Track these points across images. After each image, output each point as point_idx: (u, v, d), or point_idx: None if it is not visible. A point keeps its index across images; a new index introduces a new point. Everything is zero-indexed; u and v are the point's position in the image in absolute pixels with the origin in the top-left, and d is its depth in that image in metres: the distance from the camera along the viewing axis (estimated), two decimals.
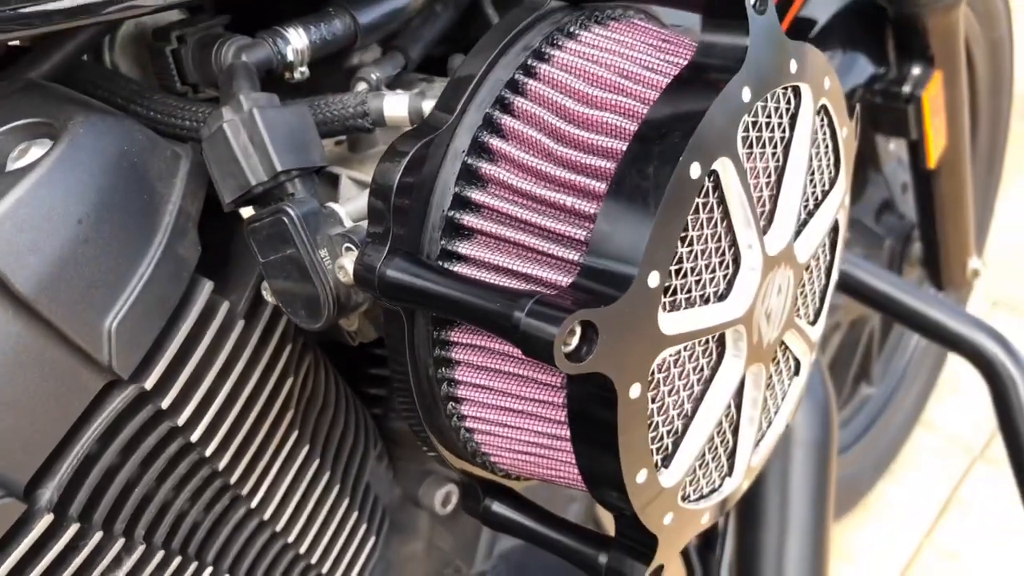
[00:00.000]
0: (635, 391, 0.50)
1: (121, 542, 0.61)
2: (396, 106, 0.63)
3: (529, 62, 0.56)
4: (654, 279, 0.49)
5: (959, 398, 2.20)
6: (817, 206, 0.65)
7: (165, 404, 0.60)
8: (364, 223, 0.60)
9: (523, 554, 1.00)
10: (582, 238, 0.51)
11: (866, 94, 1.57)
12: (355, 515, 0.85)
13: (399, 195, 0.53)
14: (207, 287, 0.60)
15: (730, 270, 0.56)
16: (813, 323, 0.69)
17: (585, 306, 0.46)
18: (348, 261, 0.58)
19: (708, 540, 1.21)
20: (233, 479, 0.69)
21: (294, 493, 0.77)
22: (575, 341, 0.46)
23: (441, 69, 0.78)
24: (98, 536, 0.59)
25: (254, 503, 0.73)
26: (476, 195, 0.54)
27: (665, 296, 0.51)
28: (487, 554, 0.98)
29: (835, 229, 0.68)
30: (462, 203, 0.54)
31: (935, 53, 1.51)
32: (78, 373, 0.55)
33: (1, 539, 0.53)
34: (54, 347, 0.54)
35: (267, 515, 0.75)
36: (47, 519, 0.55)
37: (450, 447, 0.62)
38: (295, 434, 0.75)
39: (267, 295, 0.63)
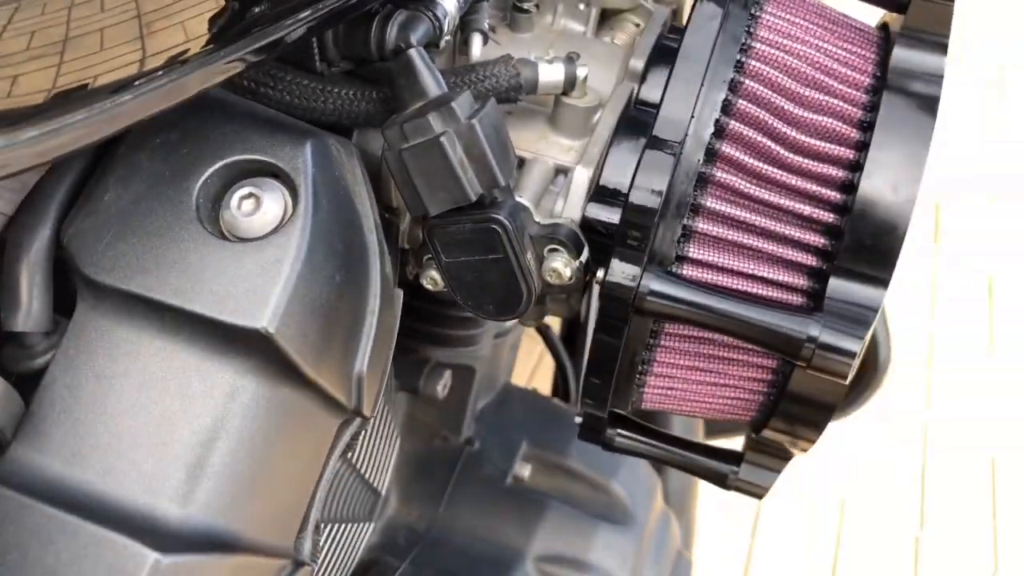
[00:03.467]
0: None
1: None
2: (551, 75, 0.60)
3: (739, 58, 0.56)
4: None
5: None
6: None
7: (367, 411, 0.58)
8: (559, 220, 0.59)
9: (494, 414, 1.08)
10: (818, 244, 0.56)
11: None
12: (392, 424, 0.87)
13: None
14: (400, 296, 0.57)
15: None
16: None
17: (868, 326, 0.52)
18: (559, 263, 0.58)
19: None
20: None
21: (371, 431, 0.78)
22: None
23: None
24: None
25: (351, 453, 0.73)
26: (707, 200, 0.56)
27: None
28: (471, 422, 1.04)
29: None
30: (696, 210, 0.56)
31: None
32: (327, 422, 0.52)
33: None
34: (315, 408, 0.50)
35: (356, 459, 0.75)
36: (309, 570, 0.54)
37: (615, 402, 0.66)
38: None
39: (430, 285, 0.61)
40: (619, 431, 0.72)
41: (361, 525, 0.85)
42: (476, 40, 0.63)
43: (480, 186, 0.53)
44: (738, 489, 0.71)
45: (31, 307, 0.46)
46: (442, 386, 0.96)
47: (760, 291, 0.57)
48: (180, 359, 0.45)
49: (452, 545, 0.96)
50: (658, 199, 0.53)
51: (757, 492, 0.70)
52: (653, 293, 0.54)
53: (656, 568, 1.03)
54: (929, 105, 0.55)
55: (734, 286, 0.57)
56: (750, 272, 0.56)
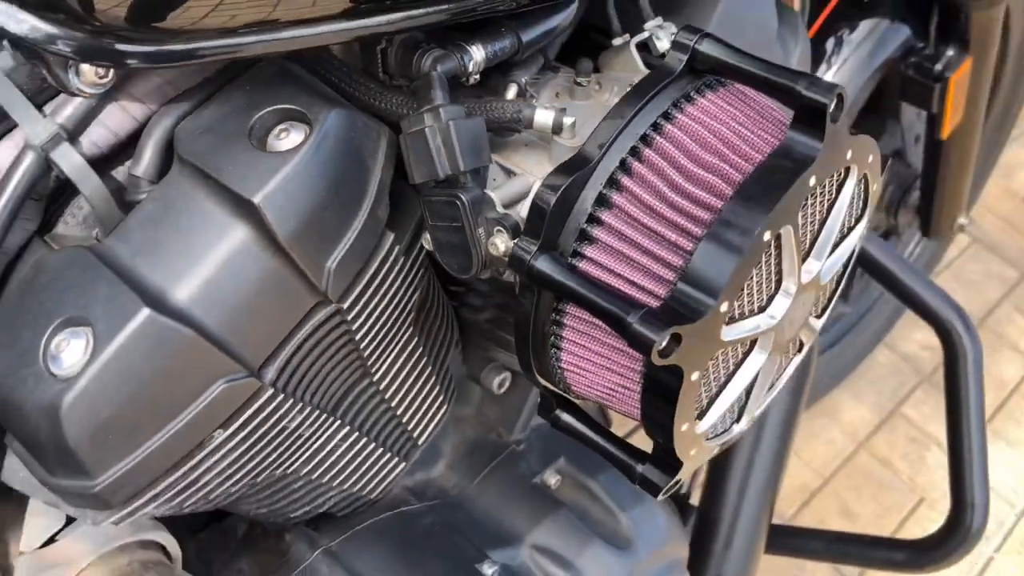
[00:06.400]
0: (695, 376, 0.73)
1: (299, 406, 0.85)
2: (544, 117, 0.83)
3: (658, 121, 0.76)
4: (724, 307, 0.71)
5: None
6: (843, 238, 0.86)
7: (346, 309, 0.82)
8: (511, 210, 0.81)
9: (548, 429, 1.26)
10: (678, 264, 0.73)
11: (901, 64, 1.74)
12: (437, 388, 1.09)
13: (552, 210, 0.74)
14: (390, 238, 0.82)
15: (773, 291, 0.78)
16: (819, 316, 0.92)
17: (677, 323, 0.68)
18: (500, 241, 0.79)
19: None
20: (369, 359, 0.93)
21: (402, 371, 1.01)
22: (665, 344, 0.69)
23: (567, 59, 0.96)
24: (290, 402, 0.83)
25: (376, 377, 0.97)
26: (605, 216, 0.75)
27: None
28: (524, 427, 1.24)
29: (853, 252, 0.90)
30: (593, 220, 0.75)
31: (972, 40, 1.67)
32: (303, 295, 0.77)
33: (239, 408, 0.77)
34: (292, 278, 0.76)
35: (384, 388, 0.99)
36: (270, 393, 0.79)
37: (543, 374, 0.85)
38: (410, 329, 0.98)
39: (426, 244, 0.85)
40: (565, 413, 0.90)
41: (391, 457, 1.08)
42: (511, 88, 0.88)
43: (448, 168, 0.77)
44: (640, 484, 0.86)
45: (147, 162, 0.76)
46: (499, 383, 1.17)
47: (628, 291, 0.74)
48: (215, 214, 0.73)
49: (467, 511, 1.16)
50: (552, 198, 0.73)
51: (653, 489, 0.85)
52: (538, 267, 0.74)
53: None
54: (787, 179, 0.71)
55: (610, 283, 0.75)
56: (626, 276, 0.74)
